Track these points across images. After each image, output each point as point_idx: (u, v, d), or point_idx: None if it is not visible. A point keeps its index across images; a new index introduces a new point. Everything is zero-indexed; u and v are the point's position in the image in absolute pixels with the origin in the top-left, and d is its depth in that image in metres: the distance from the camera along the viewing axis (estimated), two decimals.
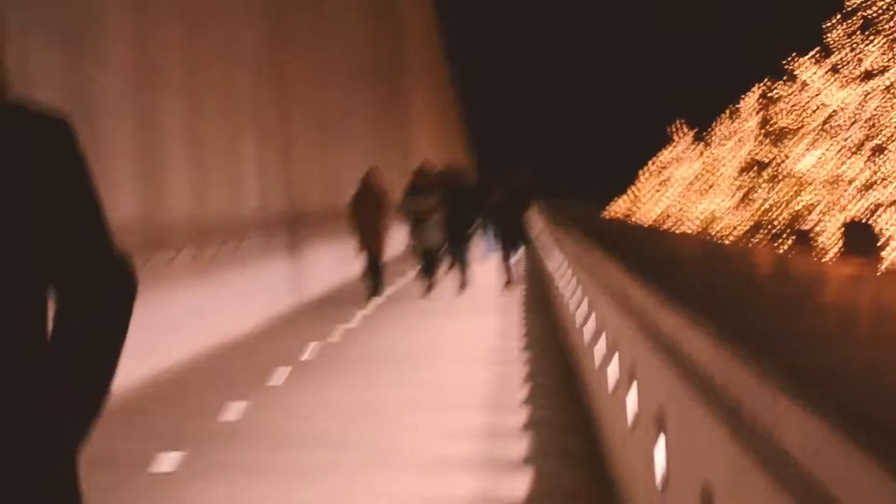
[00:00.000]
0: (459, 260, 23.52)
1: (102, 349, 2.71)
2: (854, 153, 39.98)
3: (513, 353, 14.18)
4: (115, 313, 2.72)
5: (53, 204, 2.69)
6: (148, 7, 14.59)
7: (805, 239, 40.21)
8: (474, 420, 10.03)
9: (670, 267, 6.28)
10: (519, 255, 24.21)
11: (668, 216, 66.81)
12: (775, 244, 39.71)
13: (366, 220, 22.00)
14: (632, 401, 5.60)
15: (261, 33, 20.93)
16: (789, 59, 42.10)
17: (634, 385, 5.43)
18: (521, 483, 7.85)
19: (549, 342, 14.95)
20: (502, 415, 10.26)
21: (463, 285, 23.35)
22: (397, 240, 37.35)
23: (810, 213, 42.22)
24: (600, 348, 7.89)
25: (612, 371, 6.84)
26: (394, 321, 18.49)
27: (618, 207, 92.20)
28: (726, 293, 4.44)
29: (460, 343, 15.33)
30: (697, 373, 3.43)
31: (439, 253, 23.63)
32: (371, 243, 21.99)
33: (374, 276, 22.21)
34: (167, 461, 8.91)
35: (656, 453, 4.52)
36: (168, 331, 14.39)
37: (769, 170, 47.13)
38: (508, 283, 23.55)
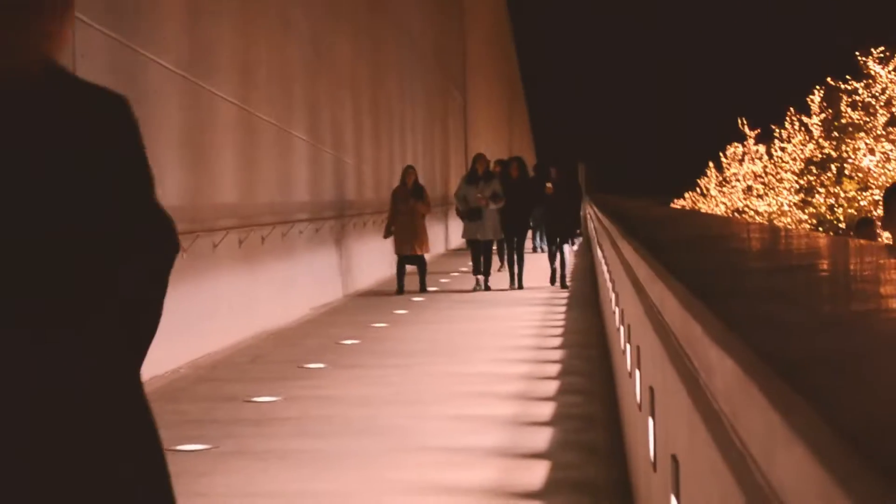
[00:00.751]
0: (514, 254, 22.57)
1: (152, 291, 3.42)
2: None
3: (554, 350, 14.02)
4: (160, 265, 3.42)
5: (116, 169, 3.31)
6: None
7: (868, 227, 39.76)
8: (503, 411, 9.88)
9: (685, 244, 6.08)
10: (571, 250, 23.44)
11: (733, 212, 66.35)
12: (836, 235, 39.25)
13: (405, 215, 21.59)
14: (637, 384, 5.45)
15: (315, 14, 20.82)
16: (857, 54, 41.67)
17: (637, 370, 5.28)
18: (539, 473, 7.70)
19: (593, 338, 14.76)
20: (531, 407, 10.11)
21: (516, 280, 22.51)
22: (454, 232, 37.24)
23: (875, 209, 41.74)
24: (622, 333, 7.72)
25: (628, 356, 6.68)
26: (438, 315, 18.36)
27: (682, 204, 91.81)
28: (723, 264, 4.25)
29: (501, 337, 15.16)
30: (673, 347, 3.26)
31: (493, 246, 22.99)
32: (410, 240, 21.56)
33: (419, 274, 21.82)
34: (193, 445, 8.85)
35: (649, 433, 4.39)
36: (209, 315, 14.32)
37: (833, 166, 46.62)
38: (560, 278, 22.52)
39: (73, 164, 3.25)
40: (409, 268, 22.11)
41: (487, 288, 22.16)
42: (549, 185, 22.88)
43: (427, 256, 22.38)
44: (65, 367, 3.26)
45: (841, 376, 1.61)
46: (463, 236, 22.95)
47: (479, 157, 22.89)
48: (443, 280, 24.98)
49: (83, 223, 3.27)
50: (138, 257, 3.36)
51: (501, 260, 24.95)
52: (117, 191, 3.31)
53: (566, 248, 22.65)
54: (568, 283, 22.63)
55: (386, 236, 22.06)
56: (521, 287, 22.33)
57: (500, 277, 23.65)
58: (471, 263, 22.92)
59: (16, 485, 3.21)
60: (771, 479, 1.59)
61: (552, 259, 22.63)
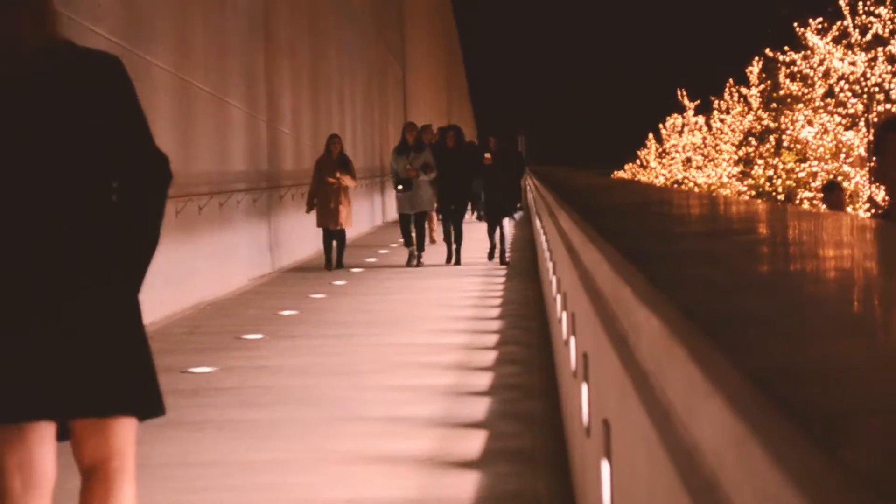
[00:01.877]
0: (451, 228, 21.37)
1: (152, 215, 4.08)
2: (853, 125, 39.73)
3: (493, 321, 14.04)
4: (159, 193, 4.11)
5: (118, 117, 3.99)
6: None
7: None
8: (441, 381, 9.88)
9: (620, 210, 6.09)
10: (512, 223, 22.58)
11: (672, 184, 66.64)
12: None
13: (330, 187, 20.61)
14: (572, 352, 5.45)
15: None
16: (795, 25, 41.88)
17: (573, 337, 5.29)
18: (475, 443, 7.70)
19: (532, 308, 14.79)
20: (469, 377, 10.11)
21: (452, 255, 21.39)
22: (390, 205, 37.15)
23: (814, 181, 42.05)
24: (559, 302, 7.72)
25: (564, 323, 6.68)
26: (377, 286, 18.34)
27: (623, 175, 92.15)
28: (657, 229, 4.25)
29: (440, 308, 15.16)
30: (605, 311, 3.25)
31: (428, 219, 22.35)
32: (334, 213, 20.57)
33: (337, 248, 20.82)
34: None
35: (583, 399, 4.39)
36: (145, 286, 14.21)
37: (772, 138, 46.94)
38: (500, 253, 21.44)
39: (86, 125, 3.96)
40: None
41: (420, 263, 21.13)
42: (487, 155, 22.28)
43: (363, 229, 21.95)
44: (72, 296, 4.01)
45: (761, 331, 1.61)
46: (397, 210, 22.13)
47: (408, 126, 21.89)
48: (382, 251, 24.91)
49: (95, 155, 3.97)
50: (144, 185, 4.05)
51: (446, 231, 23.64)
52: (123, 132, 4.00)
53: (506, 221, 21.62)
54: (508, 259, 21.51)
55: (309, 210, 21.00)
56: (458, 263, 21.22)
57: (437, 251, 22.99)
58: (405, 235, 21.72)
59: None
60: (693, 434, 1.58)
61: (492, 234, 21.63)
